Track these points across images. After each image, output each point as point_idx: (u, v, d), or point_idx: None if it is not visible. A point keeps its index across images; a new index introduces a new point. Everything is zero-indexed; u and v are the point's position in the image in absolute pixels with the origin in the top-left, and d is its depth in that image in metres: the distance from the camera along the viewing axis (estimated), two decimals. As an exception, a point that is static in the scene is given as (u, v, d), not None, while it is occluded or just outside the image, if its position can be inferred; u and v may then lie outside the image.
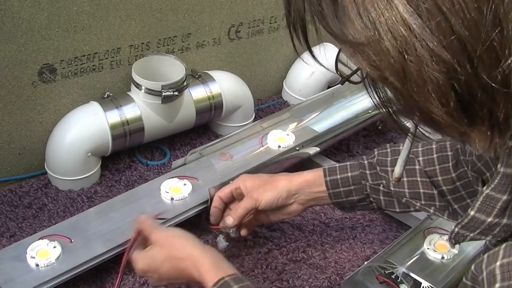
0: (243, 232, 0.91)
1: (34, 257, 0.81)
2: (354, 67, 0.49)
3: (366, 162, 0.87)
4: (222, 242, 0.91)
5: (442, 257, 0.85)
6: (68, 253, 0.83)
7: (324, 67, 0.53)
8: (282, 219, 0.95)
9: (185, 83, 1.09)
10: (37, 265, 0.80)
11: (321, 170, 0.89)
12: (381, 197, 0.86)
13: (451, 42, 0.35)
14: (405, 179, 0.82)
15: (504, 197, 0.55)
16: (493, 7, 0.35)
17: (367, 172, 0.86)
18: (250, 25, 1.32)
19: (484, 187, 0.57)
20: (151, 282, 0.84)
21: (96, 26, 1.06)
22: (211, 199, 0.93)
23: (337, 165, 0.90)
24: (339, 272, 0.91)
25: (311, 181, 0.89)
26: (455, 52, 0.36)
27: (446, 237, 0.88)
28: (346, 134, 1.20)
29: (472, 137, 0.41)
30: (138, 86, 1.07)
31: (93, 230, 0.88)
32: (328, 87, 1.40)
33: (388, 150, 0.87)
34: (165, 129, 1.13)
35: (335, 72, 0.53)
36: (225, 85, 1.20)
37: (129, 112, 1.07)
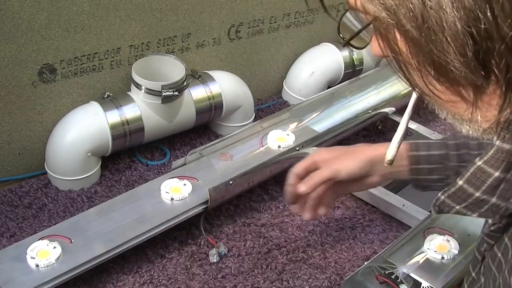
0: (321, 211, 0.88)
1: (34, 258, 0.81)
2: (358, 27, 0.47)
3: (451, 142, 0.84)
4: (214, 256, 0.92)
5: (442, 257, 0.85)
6: (68, 254, 0.83)
7: (332, 17, 0.51)
8: (361, 190, 0.95)
9: (185, 83, 1.09)
10: (37, 265, 0.80)
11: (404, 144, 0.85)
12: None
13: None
14: None
15: (496, 174, 0.51)
16: None
17: (453, 153, 0.83)
18: (250, 25, 1.32)
19: (477, 159, 0.53)
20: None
21: (96, 26, 1.06)
22: (211, 199, 0.93)
23: (420, 141, 0.86)
24: (339, 272, 0.91)
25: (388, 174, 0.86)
26: (477, 2, 0.35)
27: (446, 237, 0.88)
28: (346, 134, 1.20)
29: (484, 100, 0.40)
30: (138, 86, 1.07)
31: (93, 230, 0.88)
32: (328, 87, 1.40)
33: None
34: (165, 129, 1.13)
35: (338, 34, 0.50)
36: (225, 85, 1.20)
37: (129, 112, 1.07)
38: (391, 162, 0.65)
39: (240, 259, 0.93)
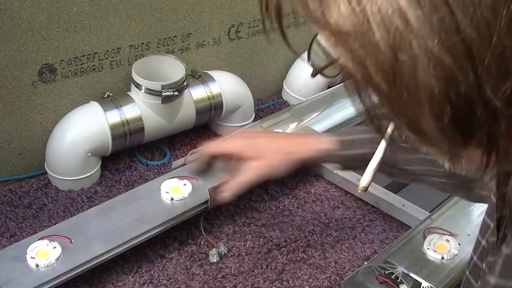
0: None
1: (34, 258, 0.81)
2: (329, 57, 0.41)
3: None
4: (214, 256, 0.92)
5: (442, 257, 0.85)
6: (68, 254, 0.83)
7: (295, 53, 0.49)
8: None
9: (185, 83, 1.09)
10: (37, 265, 0.80)
11: (331, 143, 0.84)
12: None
13: (454, 43, 0.29)
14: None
15: None
16: (511, 8, 0.29)
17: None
18: (250, 25, 1.32)
19: (503, 246, 0.46)
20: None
21: (96, 26, 1.06)
22: (211, 199, 0.93)
23: (355, 137, 0.83)
24: (339, 272, 0.91)
25: (313, 159, 0.85)
26: (457, 56, 0.30)
27: (446, 237, 0.88)
28: (346, 134, 1.20)
29: (463, 157, 0.36)
30: (138, 86, 1.07)
31: (93, 230, 0.88)
32: (328, 87, 1.40)
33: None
34: (165, 129, 1.13)
35: (307, 61, 0.47)
36: (225, 85, 1.20)
37: (129, 112, 1.07)
38: (366, 189, 0.63)
39: (240, 259, 0.93)
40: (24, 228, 0.95)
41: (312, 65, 0.45)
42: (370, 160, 0.77)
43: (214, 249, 0.93)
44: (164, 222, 0.90)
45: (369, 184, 0.62)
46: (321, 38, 0.35)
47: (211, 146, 0.89)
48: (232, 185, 0.86)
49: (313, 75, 0.47)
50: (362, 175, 0.65)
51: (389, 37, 0.30)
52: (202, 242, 0.95)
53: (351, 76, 0.34)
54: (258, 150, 0.85)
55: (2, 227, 0.95)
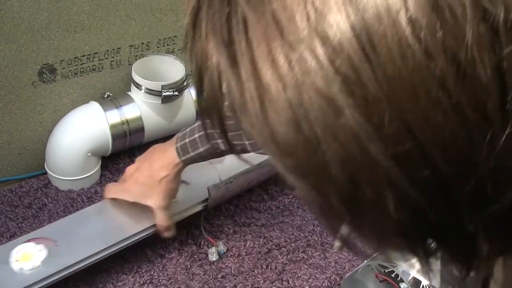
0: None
1: (18, 260, 0.80)
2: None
3: (219, 141, 0.82)
4: (213, 255, 0.92)
5: None
6: (53, 256, 0.82)
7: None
8: None
9: (185, 83, 1.09)
10: (21, 268, 0.80)
11: (175, 153, 0.86)
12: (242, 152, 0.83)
13: (423, 177, 0.25)
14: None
15: None
16: (491, 138, 0.24)
17: (219, 141, 0.82)
18: (250, 25, 1.32)
19: None
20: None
21: (96, 26, 1.06)
22: (211, 198, 0.93)
23: (187, 140, 0.85)
24: (339, 272, 0.91)
25: (182, 167, 0.87)
26: (428, 192, 0.26)
27: None
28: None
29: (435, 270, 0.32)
30: (138, 86, 1.07)
31: (79, 233, 0.87)
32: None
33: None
34: (165, 129, 1.13)
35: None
36: (225, 85, 1.20)
37: (129, 112, 1.07)
38: (341, 248, 0.63)
39: (240, 259, 0.93)
40: (24, 228, 0.95)
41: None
42: (208, 156, 0.85)
43: (214, 247, 0.93)
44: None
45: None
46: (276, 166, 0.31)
47: (109, 192, 0.94)
48: (163, 232, 0.90)
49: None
50: None
51: (348, 168, 0.27)
52: (202, 242, 0.95)
53: (311, 202, 0.30)
54: (144, 194, 0.89)
55: (2, 227, 0.95)
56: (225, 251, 0.94)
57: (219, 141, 0.81)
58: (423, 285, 0.80)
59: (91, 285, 0.86)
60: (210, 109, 0.32)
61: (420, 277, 0.78)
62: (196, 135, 0.84)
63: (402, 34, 0.24)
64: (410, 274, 0.81)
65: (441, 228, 0.28)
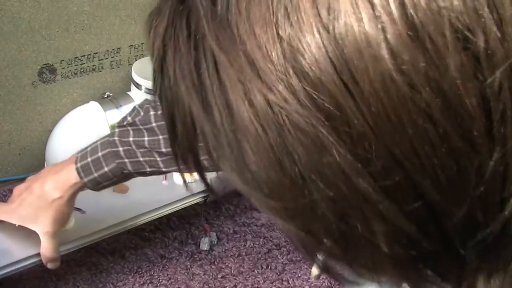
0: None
1: None
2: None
3: (121, 149, 0.76)
4: (205, 244, 0.93)
5: None
6: None
7: None
8: None
9: (185, 83, 1.09)
10: None
11: (74, 173, 0.77)
12: (151, 175, 0.78)
13: (414, 209, 0.25)
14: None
15: None
16: (480, 165, 0.24)
17: (126, 161, 0.76)
18: (250, 25, 1.32)
19: None
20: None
21: (96, 26, 1.06)
22: (211, 189, 0.92)
23: (89, 159, 0.77)
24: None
25: (79, 189, 0.79)
26: (419, 222, 0.26)
27: None
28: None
29: None
30: (138, 86, 1.07)
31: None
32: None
33: (141, 127, 0.75)
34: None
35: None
36: (225, 85, 1.20)
37: (129, 112, 1.07)
38: (319, 277, 0.62)
39: (240, 259, 0.93)
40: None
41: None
42: (114, 178, 0.77)
43: (206, 238, 0.94)
44: (164, 206, 0.91)
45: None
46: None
47: None
48: (47, 262, 0.81)
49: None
50: None
51: (337, 206, 0.26)
52: (202, 242, 0.95)
53: (297, 242, 0.29)
54: (30, 217, 0.80)
55: (2, 227, 0.95)
56: (216, 242, 0.94)
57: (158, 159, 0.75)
58: None
59: (91, 285, 0.86)
60: (185, 153, 0.31)
61: None
62: (100, 154, 0.76)
63: (384, 68, 0.23)
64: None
65: (433, 255, 0.27)
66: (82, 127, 1.03)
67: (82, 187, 0.78)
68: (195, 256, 0.92)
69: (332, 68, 0.24)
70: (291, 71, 0.24)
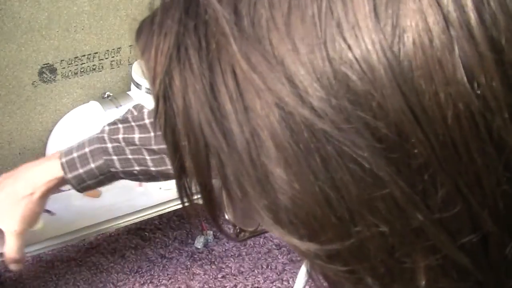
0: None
1: None
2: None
3: (110, 146, 0.74)
4: (200, 243, 0.93)
5: None
6: None
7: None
8: None
9: (185, 83, 1.09)
10: None
11: (58, 167, 0.74)
12: (140, 176, 0.76)
13: (469, 240, 0.24)
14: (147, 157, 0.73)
15: None
16: None
17: (114, 158, 0.74)
18: (250, 25, 1.32)
19: None
20: None
21: (96, 26, 1.06)
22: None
23: (75, 154, 0.75)
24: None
25: (57, 185, 0.76)
26: (473, 253, 0.24)
27: None
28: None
29: None
30: (138, 86, 1.07)
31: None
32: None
33: (133, 124, 0.74)
34: (165, 129, 1.13)
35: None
36: (225, 85, 1.20)
37: (129, 112, 1.07)
38: None
39: (240, 259, 0.93)
40: (24, 228, 0.95)
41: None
42: (100, 176, 0.74)
43: (202, 236, 0.94)
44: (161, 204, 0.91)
45: None
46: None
47: None
48: (10, 263, 0.76)
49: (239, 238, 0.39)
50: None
51: (388, 243, 0.24)
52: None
53: (335, 279, 0.27)
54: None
55: (2, 227, 0.95)
56: (211, 241, 0.95)
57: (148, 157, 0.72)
58: None
59: (91, 285, 0.86)
60: (202, 190, 0.27)
61: None
62: (87, 149, 0.74)
63: (458, 93, 0.21)
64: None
65: (480, 284, 0.26)
66: (82, 127, 1.03)
67: (57, 185, 0.75)
68: (195, 256, 0.92)
69: (398, 94, 0.21)
70: (344, 97, 0.21)
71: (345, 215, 0.23)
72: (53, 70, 1.05)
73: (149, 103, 1.07)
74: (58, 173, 0.74)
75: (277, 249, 0.95)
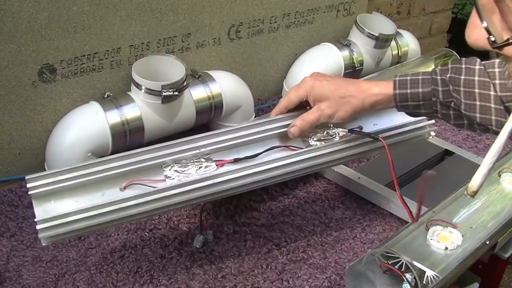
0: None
1: None
2: None
3: (439, 78, 0.85)
4: (199, 242, 0.93)
5: (446, 248, 0.85)
6: None
7: None
8: None
9: (185, 83, 1.09)
10: None
11: (391, 83, 0.89)
12: (451, 112, 0.86)
13: None
14: (477, 103, 0.81)
15: None
16: None
17: (439, 89, 0.85)
18: (250, 25, 1.32)
19: None
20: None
21: (96, 26, 1.06)
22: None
23: (408, 77, 0.88)
24: (339, 272, 0.91)
25: (382, 101, 0.89)
26: None
27: (449, 229, 0.88)
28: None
29: None
30: (138, 86, 1.07)
31: None
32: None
33: (463, 66, 0.83)
34: (165, 129, 1.13)
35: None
36: (225, 85, 1.20)
37: (129, 112, 1.07)
38: (475, 194, 0.55)
39: (240, 259, 0.93)
40: (24, 228, 0.95)
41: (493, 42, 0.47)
42: (420, 101, 0.87)
43: (201, 236, 0.94)
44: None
45: (479, 189, 0.55)
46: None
47: (287, 99, 0.96)
48: (301, 122, 0.91)
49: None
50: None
51: None
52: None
53: None
54: (322, 94, 0.90)
55: (2, 227, 0.95)
56: (211, 241, 0.94)
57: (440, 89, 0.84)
58: (427, 275, 0.79)
59: (91, 285, 0.86)
60: None
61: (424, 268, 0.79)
62: (420, 77, 0.87)
63: None
64: (415, 265, 0.81)
65: None
66: (82, 127, 1.04)
67: (381, 102, 0.89)
68: (195, 256, 0.92)
69: None
70: None
71: None
72: (53, 70, 1.05)
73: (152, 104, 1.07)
74: (386, 90, 0.88)
75: (277, 249, 0.95)
